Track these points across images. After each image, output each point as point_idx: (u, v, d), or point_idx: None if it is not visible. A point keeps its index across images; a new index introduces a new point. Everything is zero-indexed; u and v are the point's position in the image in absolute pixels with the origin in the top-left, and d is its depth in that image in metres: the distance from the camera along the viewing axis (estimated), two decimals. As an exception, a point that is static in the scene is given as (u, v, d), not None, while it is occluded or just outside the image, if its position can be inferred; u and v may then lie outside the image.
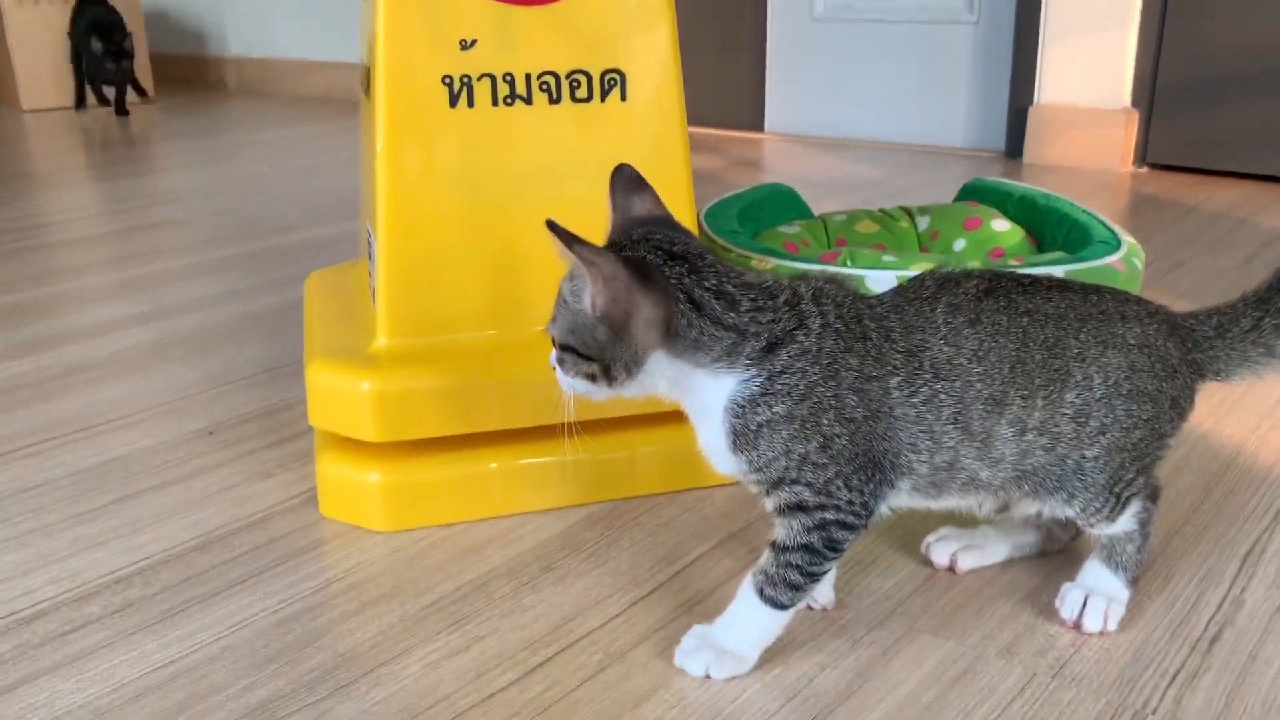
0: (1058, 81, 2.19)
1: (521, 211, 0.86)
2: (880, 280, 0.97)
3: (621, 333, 0.61)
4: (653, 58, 0.86)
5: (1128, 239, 1.08)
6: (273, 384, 1.14)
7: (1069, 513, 0.68)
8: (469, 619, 0.73)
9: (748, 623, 0.67)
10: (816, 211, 1.37)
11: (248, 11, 3.67)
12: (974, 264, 0.78)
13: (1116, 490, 0.67)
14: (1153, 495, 0.71)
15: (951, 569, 0.77)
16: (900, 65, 2.44)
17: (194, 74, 3.89)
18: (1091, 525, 0.69)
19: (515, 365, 0.85)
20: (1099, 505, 0.68)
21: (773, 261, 1.02)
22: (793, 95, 2.61)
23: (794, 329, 0.63)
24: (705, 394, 0.64)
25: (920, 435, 0.64)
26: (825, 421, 0.62)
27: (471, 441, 0.86)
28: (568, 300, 0.64)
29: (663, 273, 0.62)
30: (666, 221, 0.66)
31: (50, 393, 1.13)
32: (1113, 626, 0.70)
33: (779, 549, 0.65)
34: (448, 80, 0.83)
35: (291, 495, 0.91)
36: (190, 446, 1.00)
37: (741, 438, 0.63)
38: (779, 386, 0.62)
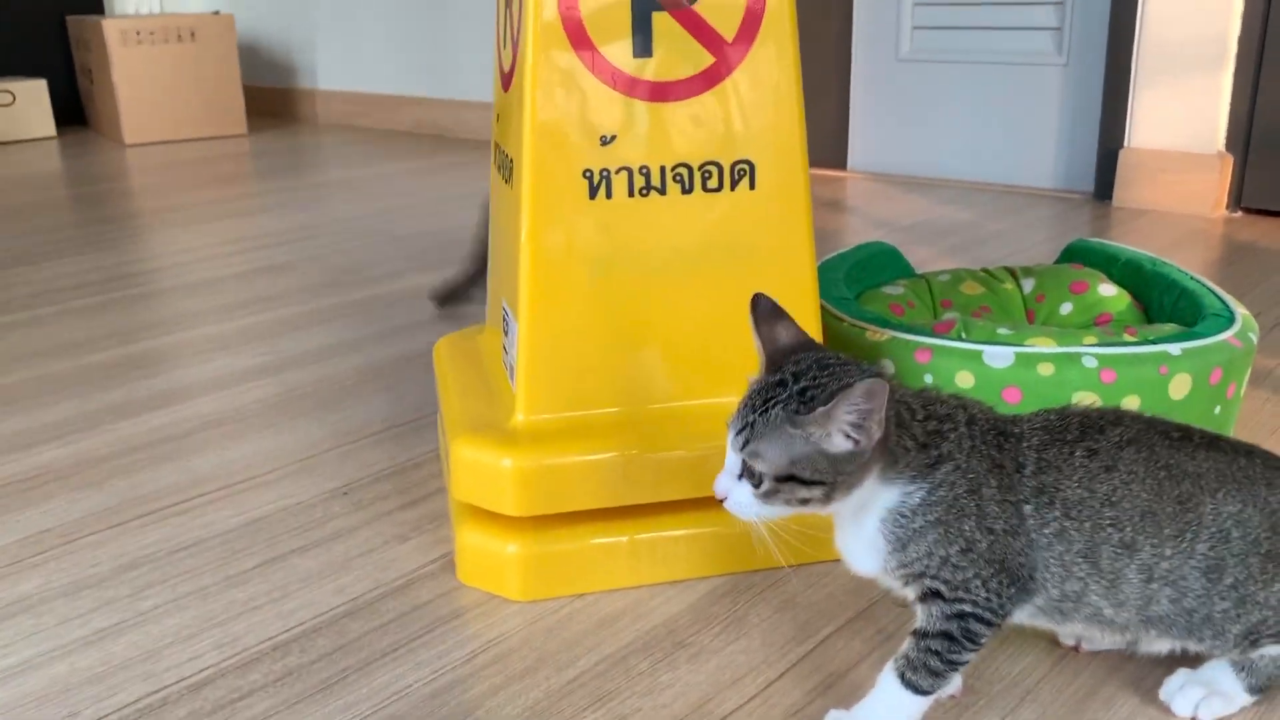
0: (1149, 124, 2.18)
1: (654, 294, 0.90)
2: (996, 356, 0.98)
3: (866, 457, 0.64)
4: (781, 147, 0.90)
5: (1240, 310, 1.08)
6: (399, 441, 1.19)
7: (1200, 649, 0.71)
8: (611, 696, 0.77)
9: (888, 707, 0.69)
10: (920, 268, 1.39)
11: (337, 45, 3.78)
12: (1128, 402, 0.81)
13: (1251, 639, 0.69)
14: None
15: None
16: (986, 106, 2.45)
17: (284, 107, 4.01)
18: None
19: (645, 442, 0.88)
20: (1230, 647, 0.70)
21: (887, 333, 1.04)
22: (877, 134, 2.62)
23: (953, 447, 0.66)
24: (868, 500, 0.67)
25: (1051, 561, 0.67)
26: (968, 528, 0.65)
27: (604, 515, 0.90)
28: (798, 433, 0.63)
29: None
30: (811, 345, 0.69)
31: (191, 448, 1.19)
32: None
33: (920, 635, 0.68)
34: (588, 174, 0.87)
35: (430, 560, 0.95)
36: (326, 507, 1.05)
37: (899, 542, 0.66)
38: (936, 498, 0.65)
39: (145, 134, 3.49)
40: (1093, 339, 1.00)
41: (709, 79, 0.88)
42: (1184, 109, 2.13)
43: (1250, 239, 1.97)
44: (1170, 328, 1.06)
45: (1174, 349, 0.98)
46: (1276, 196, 2.10)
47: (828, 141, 2.68)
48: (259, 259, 2.00)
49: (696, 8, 0.86)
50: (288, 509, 1.05)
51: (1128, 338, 1.02)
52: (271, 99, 4.03)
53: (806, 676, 0.78)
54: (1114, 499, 0.67)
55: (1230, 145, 2.11)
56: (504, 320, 0.96)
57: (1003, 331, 1.03)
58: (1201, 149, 2.13)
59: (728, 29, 0.87)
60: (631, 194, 0.88)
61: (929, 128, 2.55)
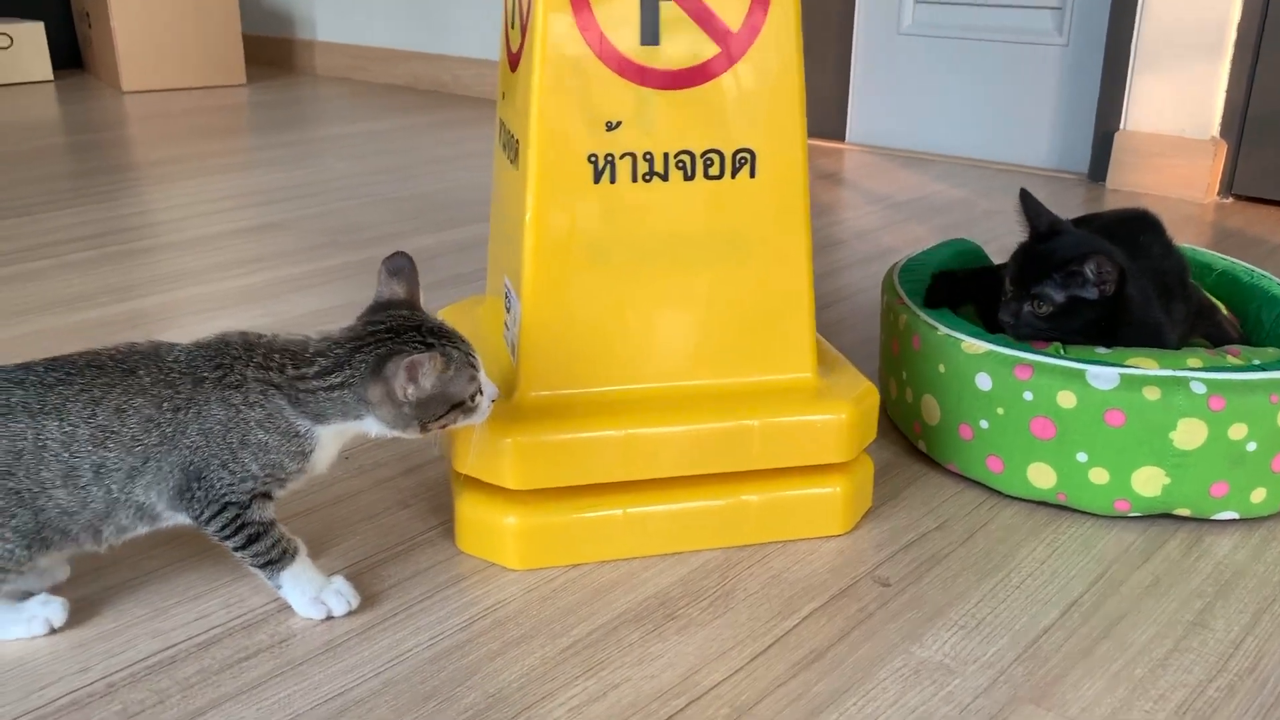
0: (1146, 108, 2.20)
1: (653, 277, 0.92)
2: (1101, 377, 0.95)
3: None
4: (782, 138, 0.92)
5: None
6: (397, 409, 1.21)
7: None
8: (603, 665, 0.80)
9: None
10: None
11: (336, -3, 3.75)
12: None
13: None
14: None
15: None
16: (985, 83, 2.46)
17: (282, 56, 3.98)
18: None
19: (640, 419, 0.91)
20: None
21: (985, 347, 1.00)
22: (876, 107, 2.63)
23: None
24: None
25: None
26: None
27: (599, 489, 0.93)
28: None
29: None
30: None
31: (193, 409, 1.21)
32: None
33: None
34: (593, 158, 0.89)
35: (430, 526, 0.98)
36: (328, 471, 1.07)
37: None
38: None
39: (143, 81, 3.46)
40: (1197, 360, 0.98)
41: (714, 68, 0.89)
42: (1181, 94, 2.15)
43: (1241, 225, 2.00)
44: (1274, 352, 1.02)
45: (1285, 377, 0.94)
46: (1268, 184, 2.13)
47: (827, 113, 2.69)
48: (256, 216, 2.01)
49: (704, -2, 0.88)
50: (290, 472, 1.07)
51: (1231, 359, 0.99)
52: (270, 48, 4.00)
53: (790, 650, 0.82)
54: None
55: (1224, 132, 2.13)
56: (505, 296, 0.98)
57: (1101, 350, 1.00)
58: (1196, 134, 2.15)
59: (733, 19, 0.89)
60: (635, 179, 0.90)
61: (927, 102, 2.56)
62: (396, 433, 0.83)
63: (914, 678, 0.79)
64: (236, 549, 0.82)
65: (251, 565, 0.83)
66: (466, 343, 0.84)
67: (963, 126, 2.52)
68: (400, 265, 0.87)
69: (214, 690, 0.77)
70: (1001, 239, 1.88)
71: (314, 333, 0.84)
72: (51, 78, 3.63)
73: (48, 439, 0.77)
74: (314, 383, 0.81)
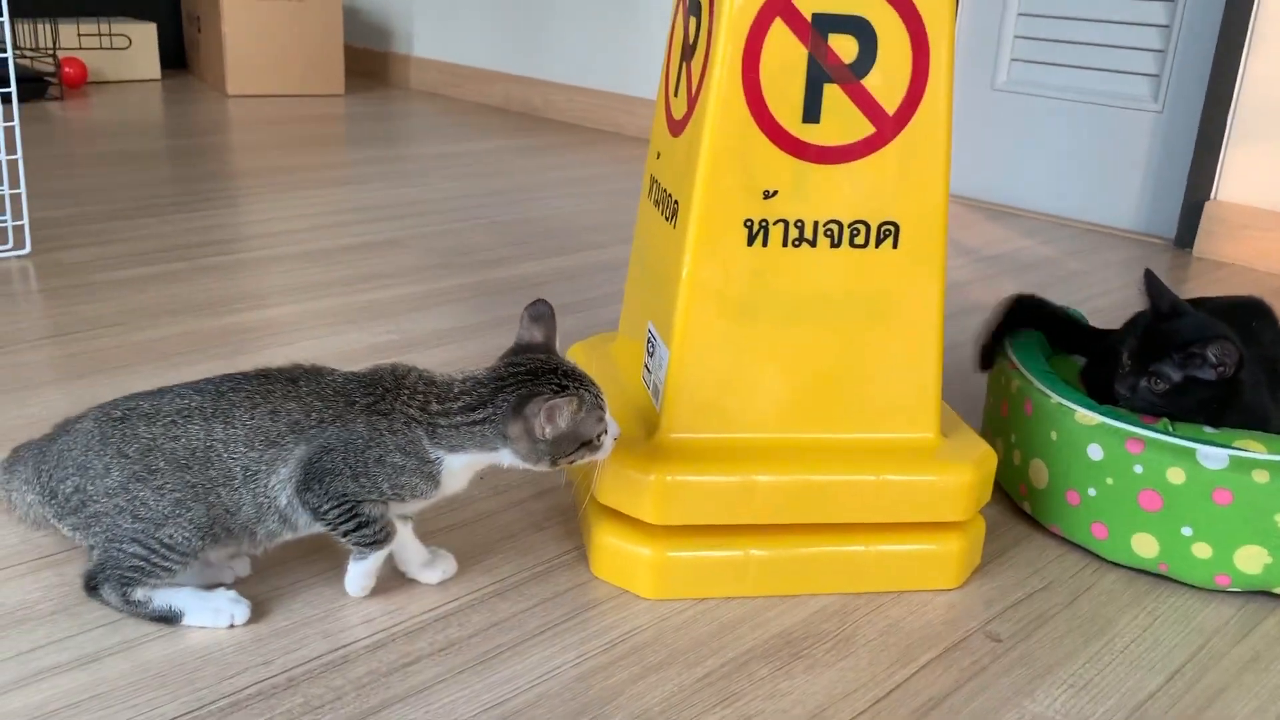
0: (1238, 179, 2.23)
1: (793, 335, 0.99)
2: (1211, 456, 1.00)
3: None
4: (925, 212, 0.98)
5: None
6: (523, 434, 1.29)
7: None
8: (737, 696, 0.87)
9: None
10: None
11: (435, 14, 3.87)
12: None
13: None
14: None
15: None
16: (1077, 143, 2.51)
17: (379, 69, 4.11)
18: None
19: (772, 467, 0.98)
20: None
21: (1097, 419, 1.06)
22: (967, 160, 2.69)
23: None
24: None
25: None
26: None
27: (727, 529, 1.00)
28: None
29: None
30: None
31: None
32: None
33: None
34: (749, 223, 0.96)
35: (565, 550, 1.05)
36: (466, 490, 1.15)
37: None
38: None
39: (247, 86, 3.60)
40: None
41: (868, 147, 0.96)
42: (1274, 168, 2.18)
43: (1327, 303, 2.03)
44: None
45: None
46: (1356, 263, 2.15)
47: (915, 161, 2.73)
48: (367, 233, 2.11)
49: (865, 82, 0.94)
50: (430, 488, 1.15)
51: None
52: (367, 60, 4.13)
53: (911, 697, 0.88)
54: None
55: (1316, 208, 2.16)
56: (650, 342, 1.06)
57: (1209, 430, 1.05)
58: (1287, 209, 2.18)
59: (890, 103, 0.95)
60: (785, 244, 0.97)
61: (1019, 158, 2.61)
62: (528, 466, 0.91)
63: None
64: (346, 534, 0.91)
65: (354, 544, 0.92)
66: (597, 386, 0.92)
67: (1052, 184, 2.57)
68: (541, 312, 0.95)
69: (385, 691, 0.85)
70: (1091, 300, 1.93)
71: (458, 372, 0.93)
72: (159, 77, 3.78)
73: (214, 440, 0.87)
74: (457, 418, 0.90)
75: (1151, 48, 2.37)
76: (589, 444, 0.91)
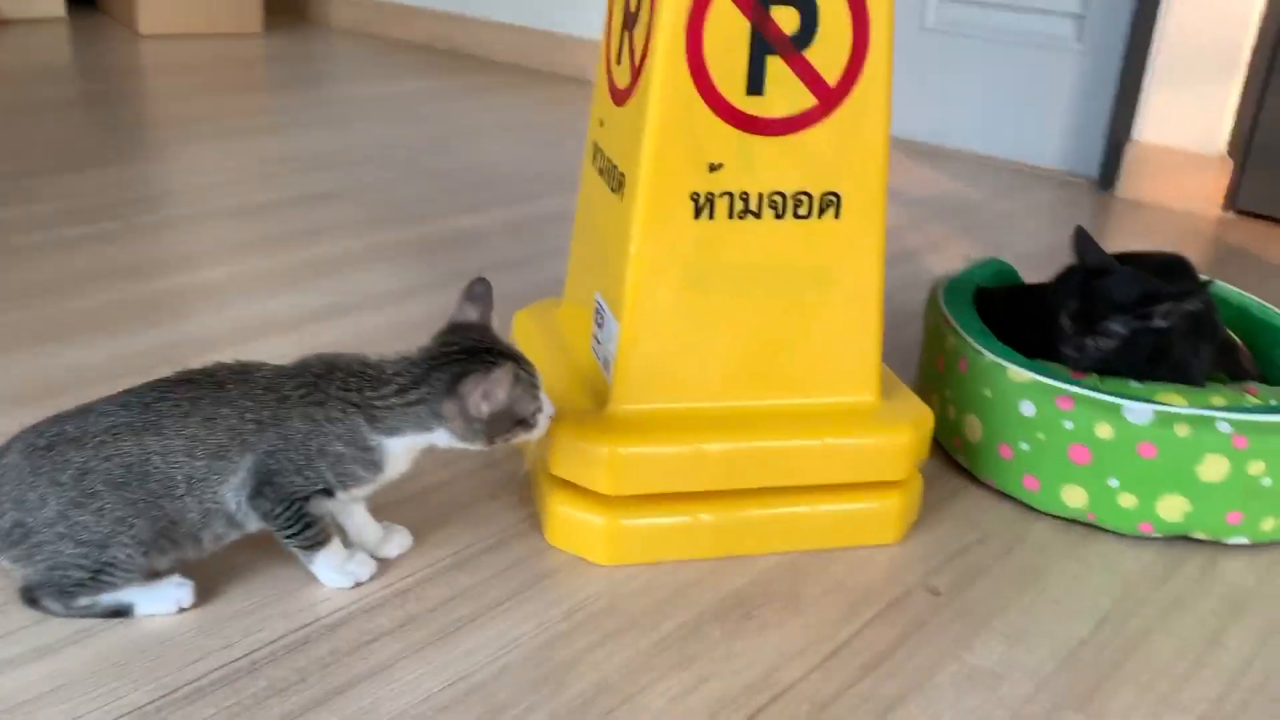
0: (1158, 120, 2.29)
1: (739, 305, 1.01)
2: (1135, 411, 1.04)
3: None
4: (866, 183, 1.00)
5: None
6: (470, 399, 1.29)
7: None
8: (694, 659, 0.90)
9: None
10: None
11: (355, -51, 3.75)
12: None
13: None
14: None
15: None
16: (1002, 83, 2.54)
17: (297, 4, 3.98)
18: None
19: (721, 435, 1.00)
20: None
21: (1029, 375, 1.09)
22: (897, 101, 2.70)
23: None
24: None
25: None
26: None
27: (679, 495, 1.02)
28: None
29: None
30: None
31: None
32: None
33: None
34: (695, 196, 0.97)
35: (519, 519, 1.07)
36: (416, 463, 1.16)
37: None
38: None
39: (160, 24, 3.47)
40: (1220, 399, 1.08)
41: (810, 118, 0.97)
42: (1193, 109, 2.24)
43: (1243, 241, 2.11)
44: None
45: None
46: (1271, 202, 2.23)
47: (846, 101, 2.75)
48: (300, 184, 2.06)
49: (806, 54, 0.95)
50: (380, 459, 1.16)
51: (1250, 398, 1.10)
52: (284, -4, 4.00)
53: (857, 654, 0.92)
54: None
55: (1231, 149, 2.23)
56: (598, 313, 1.07)
57: (1134, 385, 1.10)
58: (1204, 150, 2.25)
59: (831, 75, 0.96)
60: (731, 216, 0.98)
61: (945, 97, 2.64)
62: (465, 445, 0.92)
63: (968, 683, 0.89)
64: (289, 536, 0.91)
65: (296, 548, 0.93)
66: (531, 364, 0.94)
67: (978, 123, 2.60)
68: (480, 293, 0.96)
69: (348, 670, 0.86)
70: (1018, 243, 1.98)
71: (392, 353, 0.93)
72: (64, 14, 3.62)
73: (150, 452, 0.86)
74: (392, 399, 0.90)
75: (1076, -12, 2.40)
76: (523, 422, 0.92)
